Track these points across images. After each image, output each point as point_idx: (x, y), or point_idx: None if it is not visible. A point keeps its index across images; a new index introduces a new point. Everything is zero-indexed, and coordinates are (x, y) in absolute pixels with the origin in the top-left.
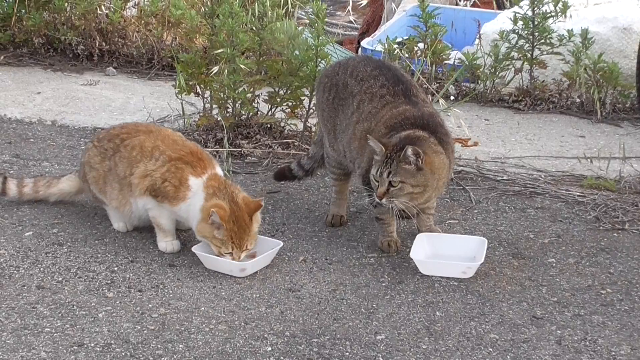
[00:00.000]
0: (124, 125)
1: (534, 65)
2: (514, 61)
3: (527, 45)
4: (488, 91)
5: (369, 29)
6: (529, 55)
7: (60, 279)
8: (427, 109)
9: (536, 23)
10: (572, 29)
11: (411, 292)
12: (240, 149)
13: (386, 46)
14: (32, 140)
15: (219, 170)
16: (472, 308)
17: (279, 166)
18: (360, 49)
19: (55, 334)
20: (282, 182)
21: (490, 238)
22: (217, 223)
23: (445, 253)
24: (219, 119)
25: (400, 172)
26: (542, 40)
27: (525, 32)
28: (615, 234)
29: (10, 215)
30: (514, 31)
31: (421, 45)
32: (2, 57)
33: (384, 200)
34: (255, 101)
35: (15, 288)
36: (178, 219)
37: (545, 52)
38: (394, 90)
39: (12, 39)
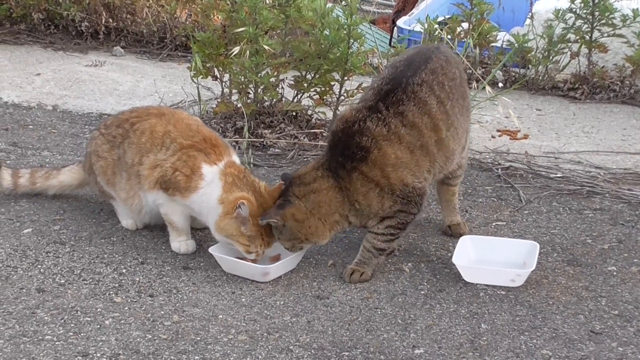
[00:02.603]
0: (134, 109)
1: (593, 49)
2: (570, 44)
3: (586, 26)
4: (540, 78)
5: (405, 6)
6: (587, 37)
7: (62, 281)
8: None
9: (597, 1)
10: (637, 8)
11: (453, 302)
12: (262, 139)
13: (425, 26)
14: (31, 127)
15: (235, 158)
16: (522, 320)
17: (305, 160)
18: (395, 29)
19: (57, 343)
20: None
21: (542, 242)
22: (243, 217)
23: (492, 258)
24: (239, 105)
25: (274, 231)
26: (603, 21)
27: (584, 11)
28: None
29: (7, 210)
30: (570, 10)
31: (465, 25)
32: None
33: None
34: (280, 86)
35: (12, 291)
36: (193, 215)
37: (606, 34)
38: (378, 89)
39: (9, 14)
